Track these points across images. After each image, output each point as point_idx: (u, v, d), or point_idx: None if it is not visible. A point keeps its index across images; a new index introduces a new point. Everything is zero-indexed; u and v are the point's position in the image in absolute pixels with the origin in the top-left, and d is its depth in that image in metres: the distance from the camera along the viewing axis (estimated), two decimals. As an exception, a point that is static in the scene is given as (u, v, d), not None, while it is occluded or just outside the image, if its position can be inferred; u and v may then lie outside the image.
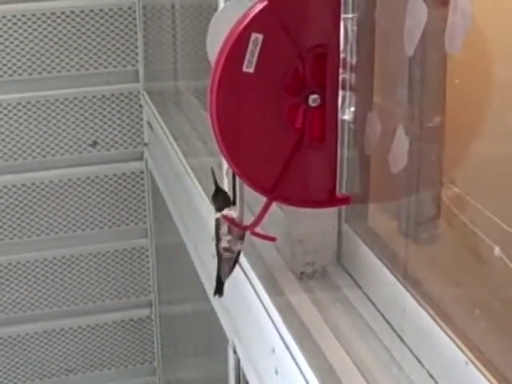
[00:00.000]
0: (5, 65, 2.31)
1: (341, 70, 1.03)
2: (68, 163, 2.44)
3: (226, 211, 1.18)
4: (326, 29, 1.01)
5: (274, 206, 1.11)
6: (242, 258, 1.38)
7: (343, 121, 1.06)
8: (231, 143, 1.00)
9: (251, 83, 0.98)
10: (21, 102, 2.36)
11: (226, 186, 1.34)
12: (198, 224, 1.71)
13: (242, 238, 1.19)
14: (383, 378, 1.10)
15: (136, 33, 2.37)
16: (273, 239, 1.16)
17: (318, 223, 1.31)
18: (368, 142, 1.08)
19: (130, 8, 2.34)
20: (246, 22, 0.96)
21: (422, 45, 0.94)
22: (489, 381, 0.94)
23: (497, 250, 0.94)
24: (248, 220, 1.23)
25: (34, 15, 2.29)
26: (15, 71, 2.32)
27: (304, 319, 1.22)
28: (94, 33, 2.35)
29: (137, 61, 2.39)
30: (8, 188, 2.43)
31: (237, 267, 1.37)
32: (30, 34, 2.30)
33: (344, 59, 1.03)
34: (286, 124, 1.01)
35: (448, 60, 0.98)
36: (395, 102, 1.06)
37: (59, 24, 2.31)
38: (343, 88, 1.04)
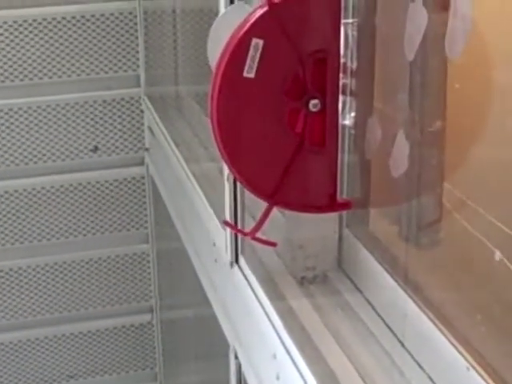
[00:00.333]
0: (6, 70, 2.31)
1: (341, 75, 1.03)
2: (69, 168, 2.44)
3: None
4: (326, 34, 1.01)
5: (275, 210, 1.11)
6: (243, 263, 1.38)
7: (344, 126, 1.06)
8: (232, 148, 1.00)
9: (252, 88, 0.98)
10: (22, 107, 2.36)
11: (226, 191, 1.34)
12: (199, 229, 1.71)
13: None
14: (384, 383, 1.10)
15: (137, 38, 2.37)
16: (273, 244, 1.16)
17: (318, 228, 1.31)
18: (368, 147, 1.08)
19: (130, 13, 2.35)
20: (246, 28, 0.96)
21: (422, 49, 0.94)
22: (490, 386, 0.94)
23: (497, 254, 0.94)
24: (249, 225, 1.23)
25: (34, 20, 2.29)
26: (16, 76, 2.32)
27: (305, 324, 1.22)
28: (94, 38, 2.35)
29: (138, 66, 2.40)
30: (9, 193, 2.43)
31: (238, 271, 1.38)
32: (31, 39, 2.30)
33: (344, 64, 1.03)
34: (286, 129, 1.01)
35: (448, 65, 0.98)
36: (396, 107, 1.06)
37: (60, 29, 2.31)
38: (344, 93, 1.04)
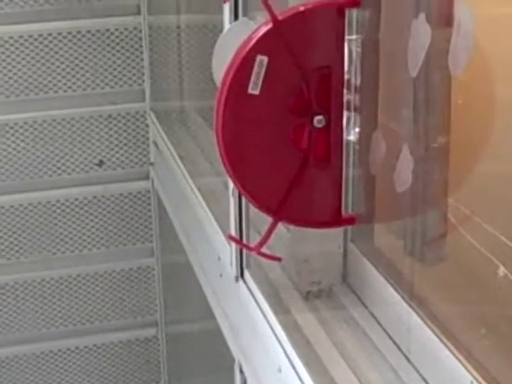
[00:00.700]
0: (11, 85, 2.32)
1: (345, 91, 1.04)
2: (74, 182, 2.45)
3: None
4: (330, 50, 1.02)
5: (280, 225, 1.12)
6: (248, 277, 1.38)
7: (348, 141, 1.07)
8: (237, 164, 1.01)
9: (257, 104, 0.99)
10: (27, 122, 2.37)
11: (231, 205, 1.34)
12: (204, 243, 1.71)
13: None
14: (389, 397, 1.10)
15: (142, 52, 2.38)
16: (278, 259, 1.17)
17: (323, 243, 1.31)
18: (373, 162, 1.09)
19: (135, 28, 2.36)
20: (251, 45, 0.97)
21: (425, 65, 0.95)
22: (494, 400, 0.94)
23: (502, 270, 0.94)
24: (254, 239, 1.24)
25: (40, 35, 2.30)
26: (22, 91, 2.33)
27: (310, 338, 1.22)
28: (100, 53, 2.36)
29: (143, 80, 2.40)
30: (15, 207, 2.43)
31: (243, 285, 1.38)
32: (37, 54, 2.31)
33: (348, 80, 1.04)
34: (291, 145, 1.02)
35: (452, 80, 0.99)
36: (400, 123, 1.07)
37: (65, 44, 2.33)
38: (348, 109, 1.05)
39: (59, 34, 2.31)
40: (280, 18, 0.98)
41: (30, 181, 2.42)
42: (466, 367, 0.99)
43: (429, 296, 1.11)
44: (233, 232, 1.35)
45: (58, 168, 2.43)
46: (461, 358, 1.01)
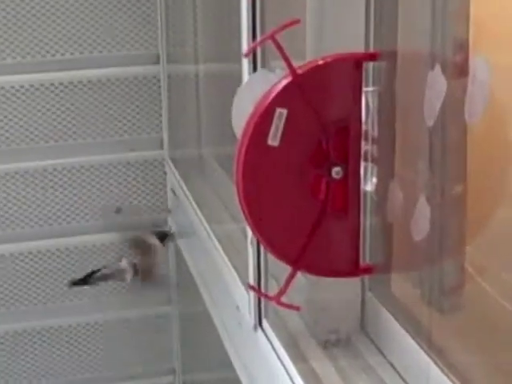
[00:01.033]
0: (32, 132, 2.35)
1: (363, 143, 1.05)
2: (92, 229, 2.47)
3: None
4: (347, 102, 1.03)
5: (298, 273, 1.12)
6: (266, 326, 1.39)
7: (365, 191, 1.08)
8: (257, 214, 1.02)
9: (276, 156, 1.00)
10: (47, 169, 2.39)
11: (250, 254, 1.35)
12: (222, 292, 1.71)
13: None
14: None
15: (160, 101, 2.41)
16: (297, 308, 1.17)
17: (341, 291, 1.31)
18: (390, 212, 1.09)
19: (154, 77, 2.39)
20: (271, 98, 0.98)
21: (441, 115, 0.96)
22: None
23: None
24: (271, 287, 1.24)
25: (61, 84, 2.34)
26: (42, 138, 2.36)
27: (328, 387, 1.22)
28: (119, 101, 2.39)
29: (161, 128, 2.43)
30: (33, 254, 2.45)
31: (261, 334, 1.38)
32: (57, 102, 2.35)
33: (366, 131, 1.05)
34: (309, 195, 1.03)
35: (468, 129, 1.00)
36: (416, 172, 1.07)
37: (85, 92, 2.36)
38: (365, 159, 1.06)
39: (80, 82, 2.34)
40: (299, 71, 0.99)
41: (49, 228, 2.44)
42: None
43: (447, 345, 1.11)
44: (251, 281, 1.35)
45: (77, 215, 2.44)
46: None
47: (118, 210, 2.47)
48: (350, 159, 1.04)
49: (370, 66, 1.10)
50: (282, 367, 1.29)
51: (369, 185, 1.07)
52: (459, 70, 0.94)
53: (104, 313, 2.53)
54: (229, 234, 1.78)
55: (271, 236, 1.04)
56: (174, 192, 2.36)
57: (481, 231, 1.06)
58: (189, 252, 2.20)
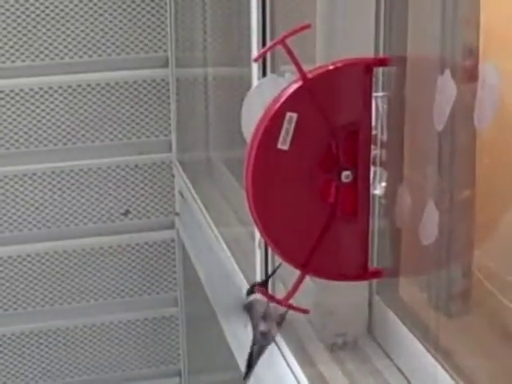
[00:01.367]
0: (40, 135, 2.36)
1: (372, 147, 1.05)
2: (100, 231, 2.47)
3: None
4: (357, 107, 1.04)
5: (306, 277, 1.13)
6: (273, 329, 1.39)
7: (374, 195, 1.08)
8: (266, 218, 1.02)
9: (285, 160, 1.01)
10: (55, 171, 2.40)
11: (258, 257, 1.35)
12: (230, 294, 1.71)
13: (279, 323, 1.20)
14: None
15: (169, 104, 2.41)
16: (306, 311, 1.17)
17: (349, 295, 1.31)
18: (399, 216, 1.10)
19: (163, 80, 2.40)
20: (280, 102, 0.99)
21: (450, 120, 0.96)
22: None
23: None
24: (279, 289, 1.24)
25: (70, 87, 2.34)
26: (50, 141, 2.37)
27: (335, 391, 1.22)
28: (127, 104, 2.40)
29: (169, 131, 2.44)
30: (40, 256, 2.46)
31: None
32: (66, 105, 2.36)
33: (375, 136, 1.06)
34: (319, 199, 1.03)
35: (477, 134, 1.00)
36: (425, 176, 1.08)
37: (94, 95, 2.37)
38: (374, 164, 1.07)
39: (88, 85, 2.35)
40: (309, 76, 1.00)
41: (56, 229, 2.44)
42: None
43: (454, 348, 1.11)
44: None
45: (85, 217, 2.45)
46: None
47: (126, 213, 2.47)
48: (359, 163, 1.04)
49: (379, 71, 1.11)
50: (289, 370, 1.29)
51: (378, 189, 1.08)
52: (469, 75, 0.94)
53: (110, 314, 2.53)
54: (236, 236, 1.78)
55: (280, 240, 1.05)
56: (181, 195, 2.37)
57: (489, 236, 1.06)
58: (196, 254, 2.21)
